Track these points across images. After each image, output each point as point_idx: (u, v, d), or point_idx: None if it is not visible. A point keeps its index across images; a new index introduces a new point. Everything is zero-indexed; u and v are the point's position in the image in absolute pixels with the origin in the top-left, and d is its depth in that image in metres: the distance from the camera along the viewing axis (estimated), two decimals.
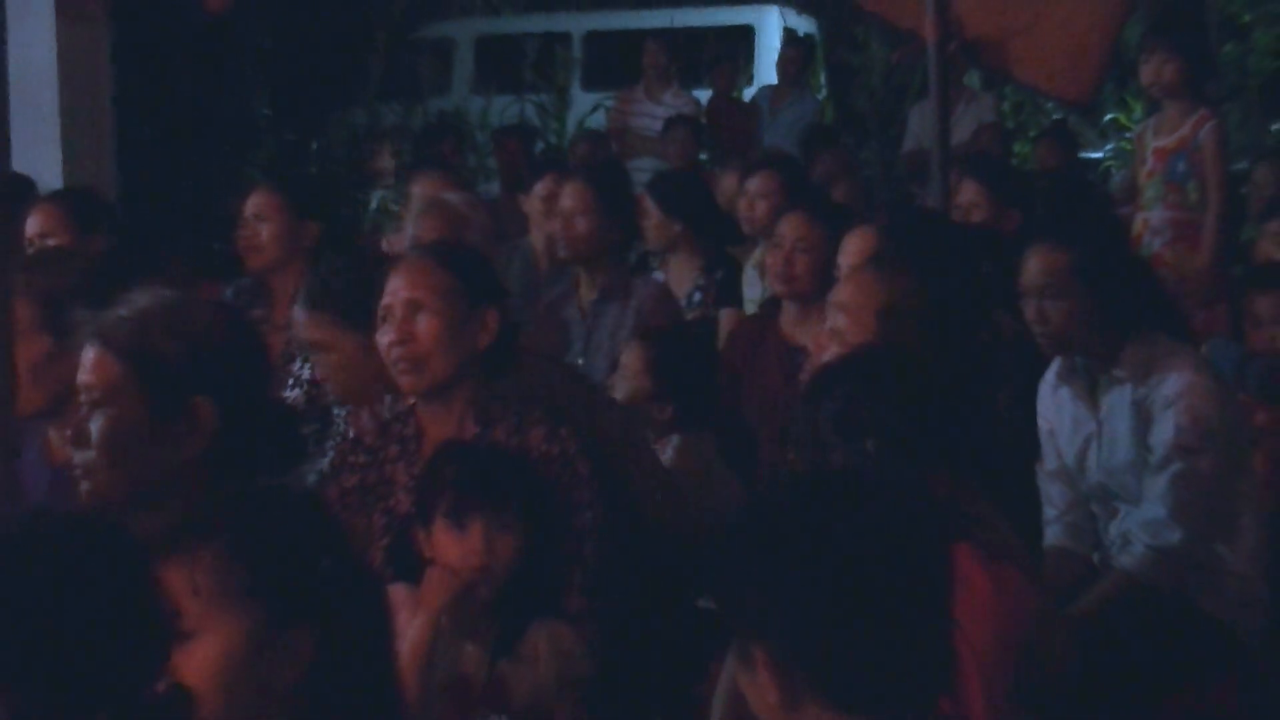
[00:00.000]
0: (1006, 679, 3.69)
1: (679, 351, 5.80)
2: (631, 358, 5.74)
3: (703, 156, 13.45)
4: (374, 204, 12.37)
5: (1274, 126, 17.17)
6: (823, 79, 17.21)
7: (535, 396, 4.80)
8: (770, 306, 6.95)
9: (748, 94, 15.56)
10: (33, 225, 6.42)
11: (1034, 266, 5.10)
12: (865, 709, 2.56)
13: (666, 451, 5.55)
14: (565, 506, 4.52)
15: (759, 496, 2.96)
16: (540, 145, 16.32)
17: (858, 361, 4.21)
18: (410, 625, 4.01)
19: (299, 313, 5.15)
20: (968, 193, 7.36)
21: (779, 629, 2.56)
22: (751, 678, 2.61)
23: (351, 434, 4.92)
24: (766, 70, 16.94)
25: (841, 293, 4.98)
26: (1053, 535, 5.16)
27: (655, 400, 5.62)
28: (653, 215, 7.94)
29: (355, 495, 4.71)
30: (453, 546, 4.14)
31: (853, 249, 5.88)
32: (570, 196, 7.21)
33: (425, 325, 4.60)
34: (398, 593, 4.01)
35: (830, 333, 4.96)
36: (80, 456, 3.64)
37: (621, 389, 5.69)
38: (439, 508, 4.20)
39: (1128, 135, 15.72)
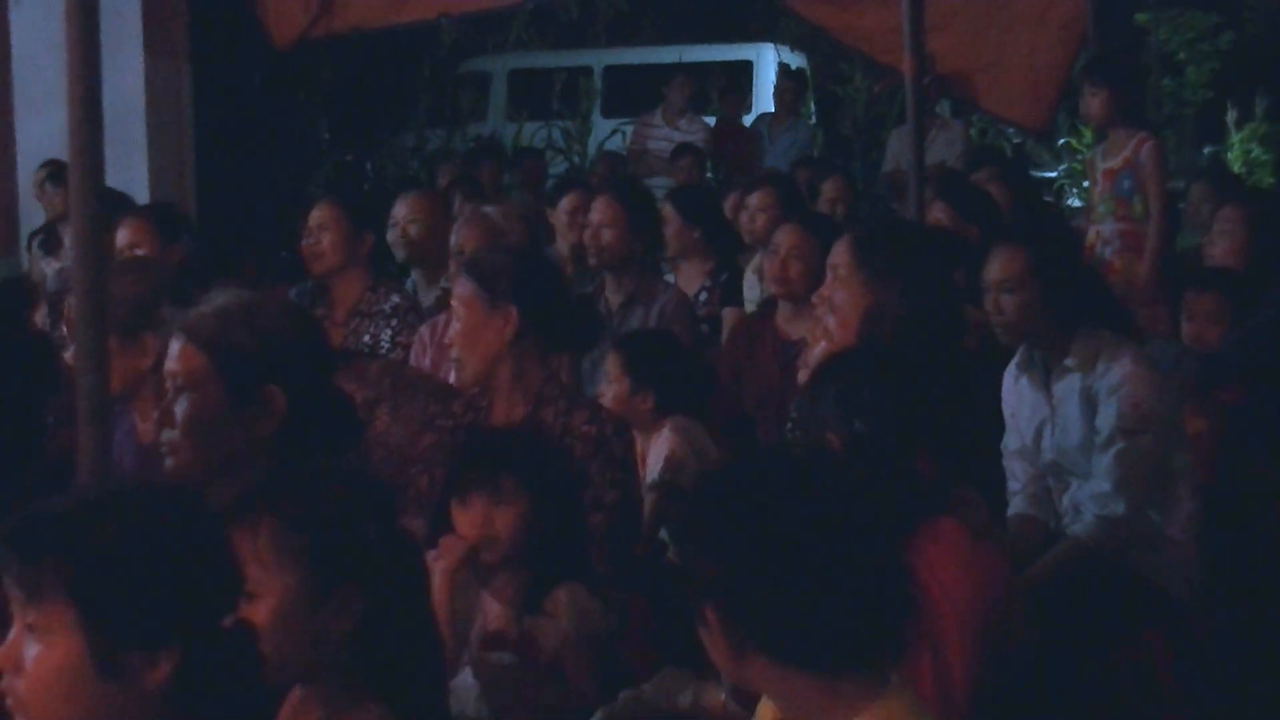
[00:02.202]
0: (982, 642, 3.69)
1: (650, 350, 5.77)
2: (610, 364, 5.73)
3: (709, 175, 13.45)
4: None
5: (1205, 149, 17.18)
6: (812, 108, 17.18)
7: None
8: (767, 306, 6.94)
9: (746, 120, 15.57)
10: (122, 237, 6.44)
11: (994, 264, 5.12)
12: (804, 665, 2.57)
13: (663, 434, 5.53)
14: (598, 482, 4.56)
15: (712, 473, 2.92)
16: (565, 165, 16.37)
17: (852, 356, 4.23)
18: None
19: None
20: (937, 211, 7.35)
21: (725, 590, 2.56)
22: (706, 632, 2.62)
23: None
24: (763, 100, 16.94)
25: (831, 296, 4.99)
26: (1016, 505, 5.16)
27: (635, 394, 5.60)
28: (674, 223, 7.93)
29: (431, 451, 4.74)
30: (459, 518, 4.15)
31: (840, 254, 5.87)
32: (600, 210, 7.20)
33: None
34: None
35: (821, 330, 4.97)
36: (166, 435, 3.66)
37: (607, 394, 5.68)
38: (450, 484, 4.22)
39: (1079, 157, 15.70)
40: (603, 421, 4.68)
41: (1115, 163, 8.55)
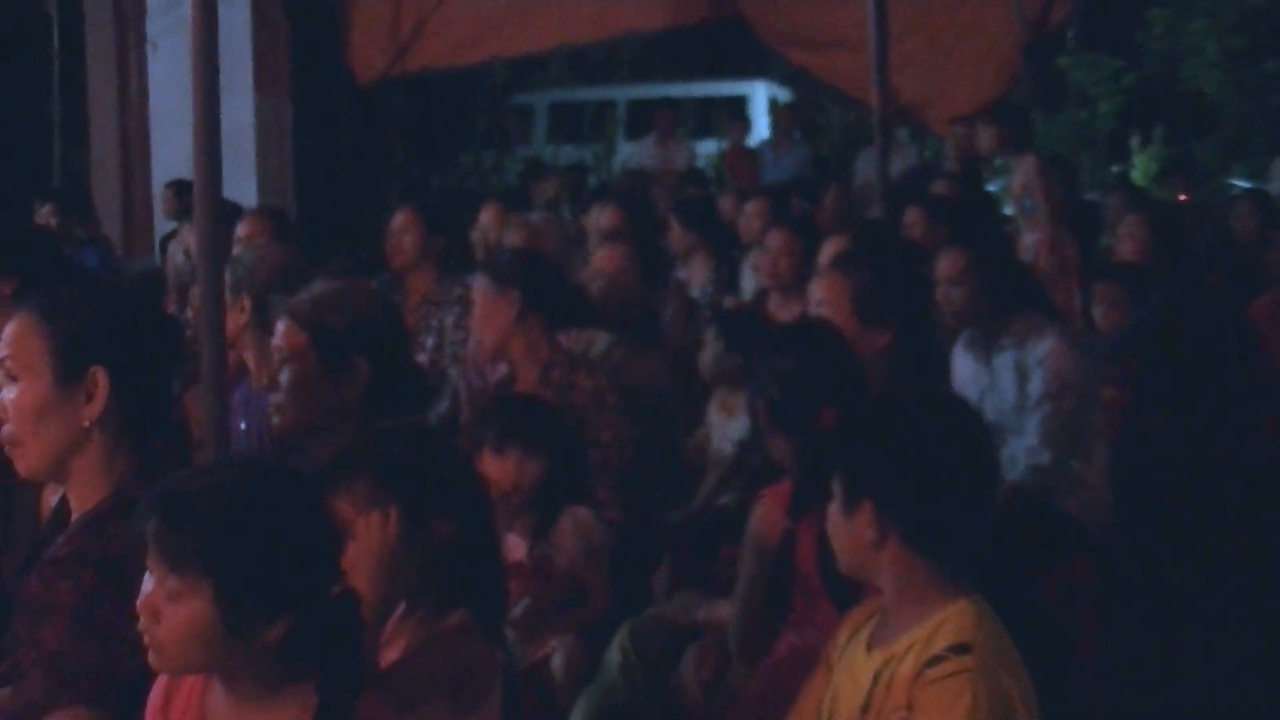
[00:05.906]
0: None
1: (740, 320, 5.77)
2: (708, 331, 5.68)
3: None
4: None
5: (1114, 169, 17.23)
6: (797, 133, 17.15)
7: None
8: (761, 296, 6.94)
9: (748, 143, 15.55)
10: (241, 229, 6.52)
11: (942, 263, 5.14)
12: (932, 553, 2.70)
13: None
14: (595, 425, 4.62)
15: (883, 400, 3.13)
16: (594, 181, 16.35)
17: (782, 334, 4.34)
18: None
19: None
20: (911, 215, 7.33)
21: (888, 488, 2.68)
22: (849, 522, 2.73)
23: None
24: (758, 127, 16.88)
25: (819, 289, 4.91)
26: None
27: (727, 354, 5.48)
28: (676, 229, 7.93)
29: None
30: (493, 467, 4.13)
31: (829, 251, 5.88)
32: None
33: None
34: None
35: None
36: (273, 398, 3.67)
37: (705, 356, 5.57)
38: (487, 439, 4.21)
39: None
40: (596, 378, 4.78)
41: (1016, 186, 8.59)
